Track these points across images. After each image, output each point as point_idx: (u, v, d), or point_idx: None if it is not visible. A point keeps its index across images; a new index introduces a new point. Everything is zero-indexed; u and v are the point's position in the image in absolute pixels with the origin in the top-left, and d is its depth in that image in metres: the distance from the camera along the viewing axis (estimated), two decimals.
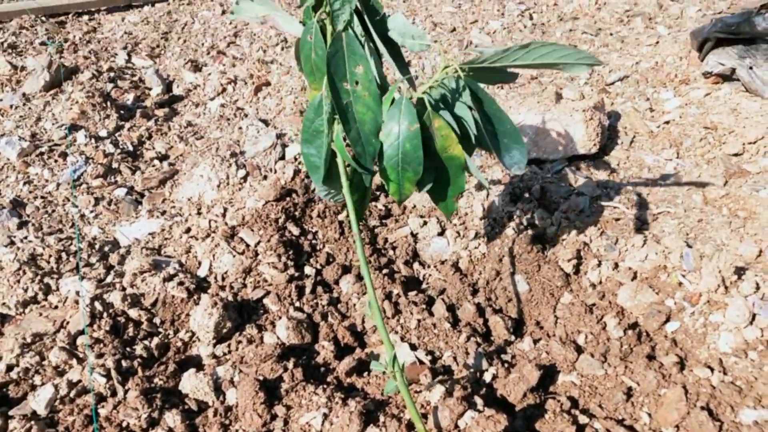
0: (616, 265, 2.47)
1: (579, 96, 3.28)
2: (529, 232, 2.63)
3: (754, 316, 2.14)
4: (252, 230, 2.70)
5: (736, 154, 3.03)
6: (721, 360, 2.10)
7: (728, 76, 3.46)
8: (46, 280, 2.54)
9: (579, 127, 3.03)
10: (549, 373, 2.17)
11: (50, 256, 2.67)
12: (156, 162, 3.48)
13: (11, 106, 3.86)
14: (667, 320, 2.25)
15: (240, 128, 3.69)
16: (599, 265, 2.49)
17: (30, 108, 3.85)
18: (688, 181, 2.95)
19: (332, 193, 1.95)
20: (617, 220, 2.72)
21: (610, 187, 2.94)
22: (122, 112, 3.85)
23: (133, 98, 4.03)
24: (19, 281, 2.50)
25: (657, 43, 4.26)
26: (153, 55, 4.79)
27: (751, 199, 2.73)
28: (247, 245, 2.67)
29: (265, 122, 3.69)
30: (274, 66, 4.39)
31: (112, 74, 4.24)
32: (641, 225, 2.69)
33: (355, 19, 1.85)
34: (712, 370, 2.05)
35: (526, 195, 2.87)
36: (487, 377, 2.13)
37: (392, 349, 1.78)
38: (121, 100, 4.00)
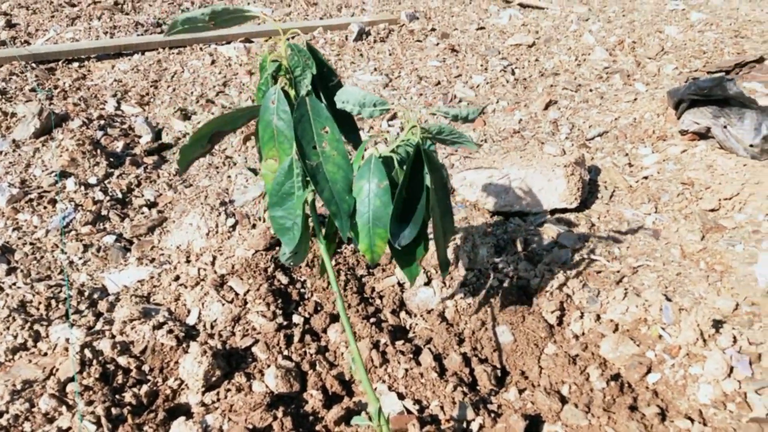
0: (598, 317, 2.54)
1: (560, 152, 3.38)
2: (514, 283, 2.70)
3: (731, 369, 2.21)
4: (241, 279, 2.74)
5: (712, 210, 3.13)
6: (701, 411, 2.16)
7: (704, 134, 3.60)
8: (36, 327, 2.55)
9: (561, 182, 3.13)
10: (534, 423, 2.21)
11: (40, 303, 2.68)
12: (145, 209, 3.52)
13: (1, 152, 3.89)
14: (648, 371, 2.31)
15: (229, 177, 3.75)
16: (582, 317, 2.55)
17: (20, 154, 3.89)
18: (666, 236, 3.04)
19: (294, 256, 2.00)
20: (598, 272, 2.80)
21: (591, 240, 3.02)
22: (112, 159, 3.90)
23: (123, 146, 4.09)
24: (8, 328, 2.51)
25: (635, 99, 4.41)
26: (142, 103, 4.86)
27: (728, 253, 2.82)
28: (236, 294, 2.70)
29: (254, 171, 3.76)
30: None
31: (102, 122, 4.30)
32: (621, 278, 2.77)
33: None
34: (692, 421, 2.10)
35: (510, 248, 2.95)
36: (474, 427, 2.16)
37: (377, 402, 1.82)
38: (111, 147, 4.05)
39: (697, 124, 3.64)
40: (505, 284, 2.71)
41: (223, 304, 2.64)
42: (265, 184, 1.95)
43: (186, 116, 4.59)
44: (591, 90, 4.72)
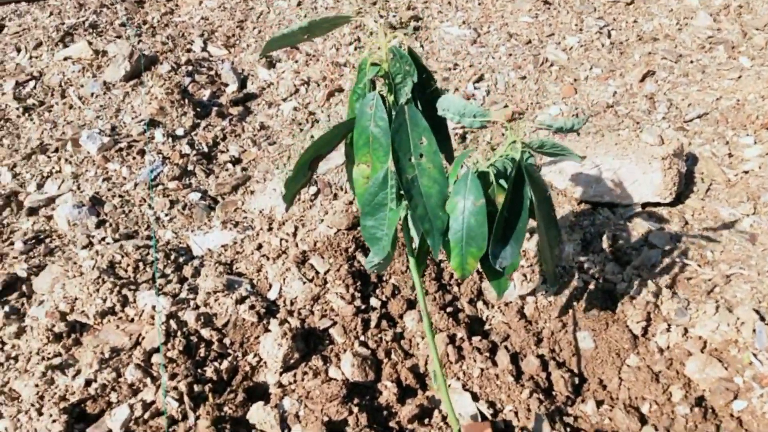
0: (686, 332, 2.47)
1: (658, 140, 3.24)
2: (600, 285, 2.64)
3: None
4: (322, 257, 2.76)
5: None
6: None
7: None
8: (124, 291, 2.63)
9: (657, 175, 3.01)
10: None
11: (128, 265, 2.76)
12: (229, 166, 3.55)
13: (92, 95, 3.96)
14: (735, 398, 2.25)
15: (312, 136, 3.73)
16: (668, 329, 2.48)
17: (110, 98, 3.95)
18: (764, 241, 2.91)
19: (380, 264, 1.99)
20: (689, 279, 2.71)
21: (683, 240, 2.92)
22: (198, 109, 3.92)
23: (210, 94, 4.10)
24: (98, 290, 2.60)
25: (739, 77, 4.16)
26: (228, 45, 4.85)
27: None
28: (317, 272, 2.72)
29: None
30: (346, 69, 4.41)
31: (189, 67, 4.31)
32: (713, 287, 2.68)
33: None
34: None
35: (597, 244, 2.87)
36: None
37: (457, 425, 1.83)
38: (198, 96, 4.07)
39: None
40: (591, 286, 2.65)
41: (304, 283, 2.67)
42: (355, 187, 1.93)
43: (271, 63, 4.56)
44: (692, 62, 4.47)
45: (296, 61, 4.58)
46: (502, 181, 1.82)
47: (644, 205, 3.10)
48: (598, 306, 2.57)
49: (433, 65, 4.44)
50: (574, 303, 2.61)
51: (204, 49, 4.78)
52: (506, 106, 3.95)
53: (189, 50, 4.70)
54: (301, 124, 3.92)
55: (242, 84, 4.35)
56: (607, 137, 3.30)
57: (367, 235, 1.89)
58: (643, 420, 2.23)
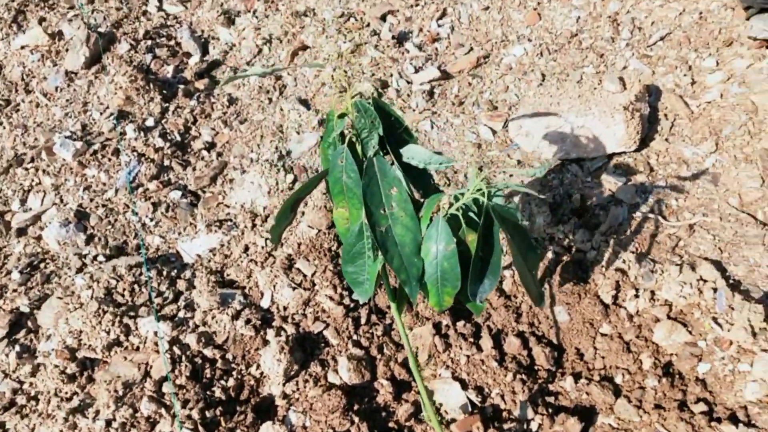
0: (653, 295, 2.62)
1: (620, 87, 3.26)
2: (571, 257, 2.78)
3: None
4: (308, 260, 2.88)
5: None
6: (746, 408, 2.31)
7: None
8: (125, 320, 2.77)
9: (619, 127, 3.07)
10: (589, 414, 2.41)
11: (124, 289, 2.89)
12: (204, 153, 3.60)
13: (56, 89, 3.94)
14: (699, 361, 2.44)
15: (281, 110, 3.75)
16: (636, 295, 2.64)
17: (75, 90, 3.93)
18: (725, 181, 3.01)
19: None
20: (654, 236, 2.84)
21: (648, 191, 3.02)
22: (165, 91, 3.91)
23: (173, 70, 4.07)
24: (100, 322, 2.75)
25: None
26: (184, 0, 4.73)
27: None
28: (305, 276, 2.86)
29: (306, 103, 3.75)
30: (307, 20, 4.34)
31: (149, 41, 4.23)
32: (677, 242, 2.81)
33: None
34: (737, 424, 2.26)
35: (567, 206, 2.98)
36: (533, 426, 2.38)
37: None
38: (162, 74, 4.05)
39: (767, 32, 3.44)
40: (563, 258, 2.79)
41: (294, 288, 2.81)
42: (337, 227, 2.04)
43: (230, 20, 4.48)
44: None
45: (255, 15, 4.49)
46: (471, 218, 1.91)
47: (610, 156, 3.18)
48: (571, 279, 2.72)
49: (396, 3, 4.36)
50: (549, 276, 2.76)
51: (160, 8, 4.67)
52: (471, 50, 3.94)
53: (145, 13, 4.60)
54: (269, 92, 3.92)
55: (204, 50, 4.30)
56: (570, 86, 3.33)
57: (350, 279, 2.02)
58: (617, 392, 2.44)
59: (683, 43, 3.76)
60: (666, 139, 3.27)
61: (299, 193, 2.03)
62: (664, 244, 2.82)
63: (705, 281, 2.60)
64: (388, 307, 2.81)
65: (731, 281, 2.64)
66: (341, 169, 1.91)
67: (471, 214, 1.91)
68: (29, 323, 2.88)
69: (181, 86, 3.97)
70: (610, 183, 3.05)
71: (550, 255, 2.81)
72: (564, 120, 3.11)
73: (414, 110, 3.64)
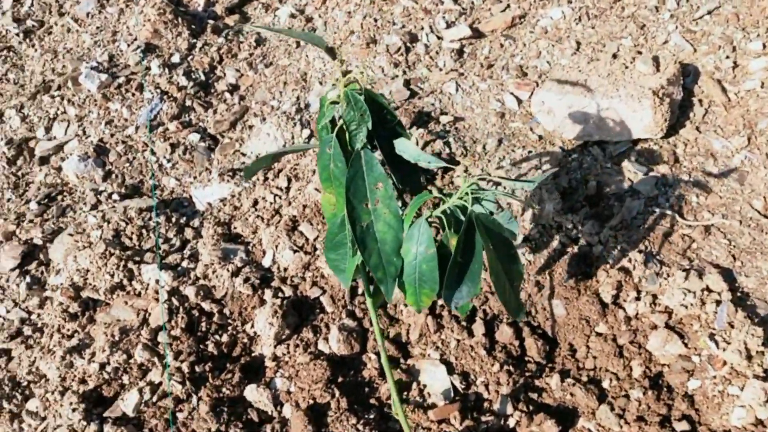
0: (654, 299, 2.58)
1: (653, 69, 3.12)
2: (576, 250, 2.73)
3: None
4: (311, 224, 2.89)
5: None
6: None
7: None
8: (130, 265, 2.84)
9: (647, 113, 2.96)
10: (570, 417, 2.42)
11: (132, 233, 2.95)
12: (227, 95, 3.58)
13: (87, 14, 3.93)
14: (691, 376, 2.41)
15: (306, 56, 3.70)
16: (638, 297, 2.59)
17: (105, 17, 3.92)
18: (752, 182, 2.91)
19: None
20: (666, 235, 2.77)
21: (669, 184, 2.94)
22: (193, 26, 3.87)
23: (204, 3, 4.02)
24: (106, 264, 2.82)
25: None
26: None
27: None
28: (307, 239, 2.87)
29: (332, 52, 3.67)
30: None
31: None
32: (690, 244, 2.74)
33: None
34: None
35: (581, 193, 2.92)
36: (511, 422, 2.40)
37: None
38: (193, 6, 4.00)
39: None
40: (568, 250, 2.74)
41: (295, 251, 2.83)
42: (323, 210, 2.05)
43: None
44: None
45: None
46: (458, 220, 1.90)
47: (635, 142, 3.09)
48: (573, 272, 2.69)
49: None
50: (551, 267, 2.73)
51: None
52: (508, 8, 3.79)
53: None
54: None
55: None
56: (601, 63, 3.20)
57: (332, 265, 2.05)
58: (602, 397, 2.44)
59: (731, 20, 3.56)
60: (697, 128, 3.15)
61: (287, 151, 2.10)
62: (676, 245, 2.75)
63: (710, 292, 2.54)
64: None
65: (739, 293, 2.58)
66: (329, 157, 1.91)
67: (459, 216, 1.90)
68: (41, 256, 2.98)
69: (211, 21, 3.93)
70: (630, 172, 2.97)
71: (555, 245, 2.78)
72: (590, 100, 3.01)
73: (441, 70, 3.55)
